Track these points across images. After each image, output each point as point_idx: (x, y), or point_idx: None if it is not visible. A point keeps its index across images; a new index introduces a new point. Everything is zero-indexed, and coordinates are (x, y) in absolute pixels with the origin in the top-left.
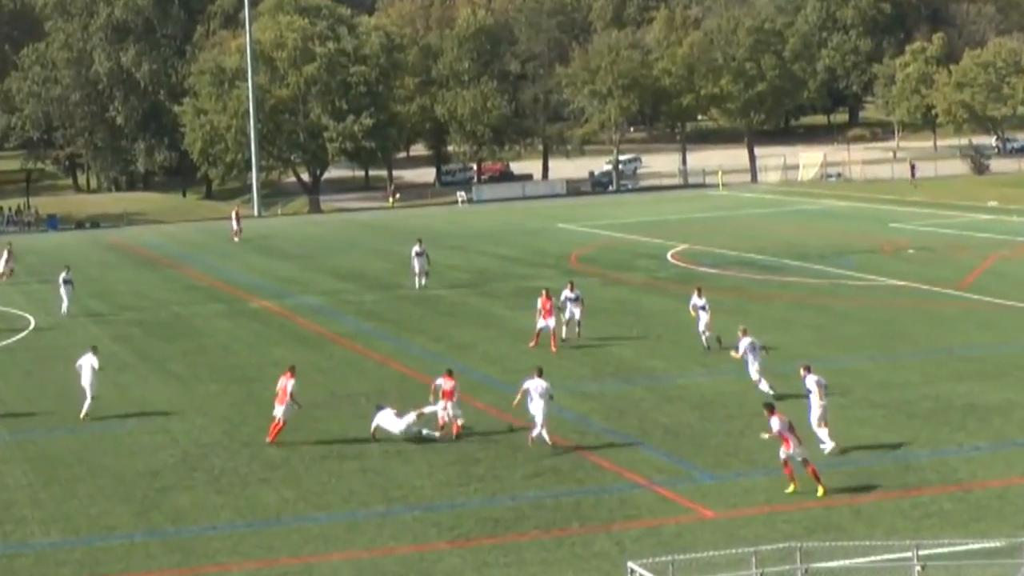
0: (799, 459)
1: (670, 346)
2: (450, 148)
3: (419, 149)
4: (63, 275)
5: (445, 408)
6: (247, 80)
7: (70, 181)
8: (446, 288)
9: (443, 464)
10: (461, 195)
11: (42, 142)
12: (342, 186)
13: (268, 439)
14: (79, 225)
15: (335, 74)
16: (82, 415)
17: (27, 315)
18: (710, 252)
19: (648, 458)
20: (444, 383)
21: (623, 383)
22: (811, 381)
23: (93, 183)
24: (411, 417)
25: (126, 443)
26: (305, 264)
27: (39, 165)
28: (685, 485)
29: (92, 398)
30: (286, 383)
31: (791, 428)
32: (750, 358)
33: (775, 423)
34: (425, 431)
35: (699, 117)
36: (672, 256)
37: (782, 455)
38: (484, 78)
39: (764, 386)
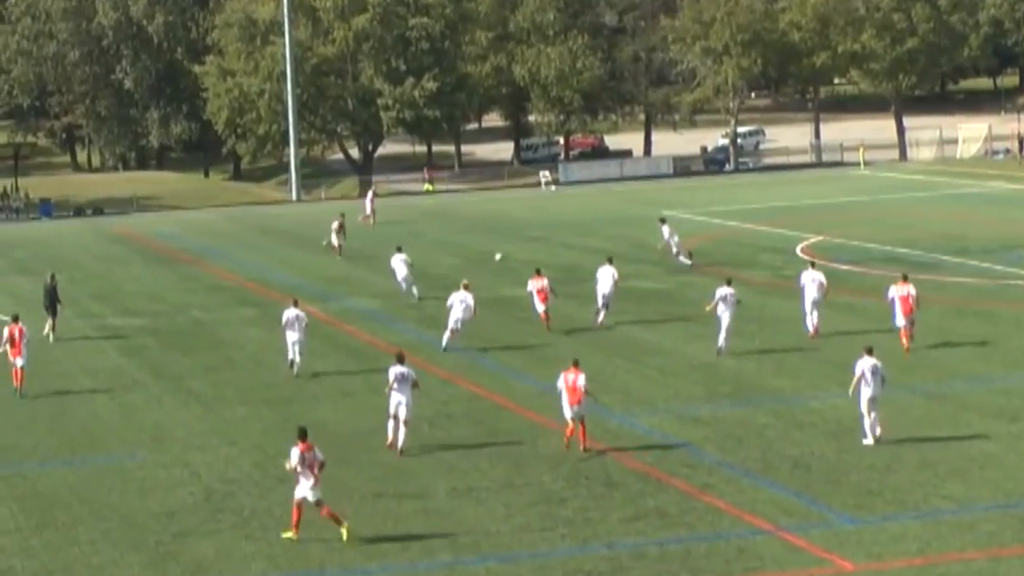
0: None
1: (800, 361)
2: (531, 118)
3: (493, 119)
4: (47, 281)
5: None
6: (283, 35)
7: (67, 158)
8: (523, 288)
9: (523, 504)
10: (545, 175)
11: (33, 110)
12: (399, 164)
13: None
14: (78, 212)
15: (391, 27)
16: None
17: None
18: (849, 246)
19: (773, 497)
20: (572, 378)
21: (742, 405)
22: (864, 365)
23: (95, 160)
24: None
25: (136, 478)
26: (355, 260)
27: (30, 139)
28: (819, 531)
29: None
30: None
31: None
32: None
33: None
34: None
35: (835, 80)
36: (803, 250)
37: None
38: (573, 32)
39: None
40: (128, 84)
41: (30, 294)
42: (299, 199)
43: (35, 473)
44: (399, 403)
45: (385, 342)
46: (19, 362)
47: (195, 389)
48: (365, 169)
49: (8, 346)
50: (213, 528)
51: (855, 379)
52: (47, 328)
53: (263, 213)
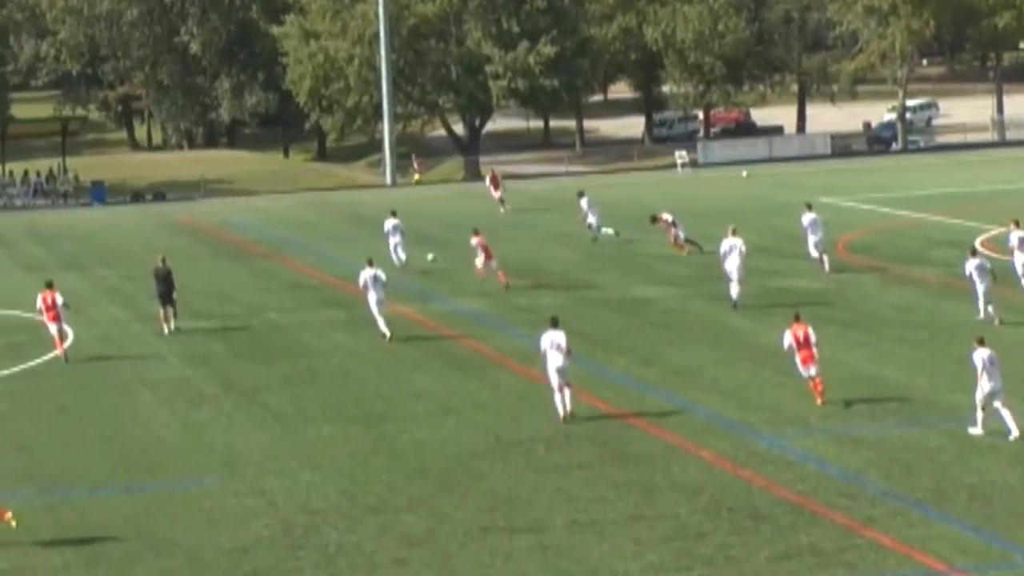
0: None
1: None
2: (665, 89)
3: (621, 90)
4: (158, 266)
5: None
6: None
7: (124, 134)
8: (658, 287)
9: (655, 540)
10: (681, 155)
11: (84, 79)
12: (511, 142)
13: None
14: (136, 197)
15: None
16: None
17: (63, 324)
18: None
19: (947, 533)
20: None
21: (911, 425)
22: (979, 356)
23: (156, 137)
24: None
25: (203, 508)
26: (458, 254)
27: (80, 112)
28: (1000, 572)
29: None
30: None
31: None
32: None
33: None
34: None
35: (1021, 45)
36: (983, 244)
37: None
38: None
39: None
40: (194, 48)
41: (79, 292)
42: (394, 183)
43: (86, 502)
44: (557, 369)
45: (493, 349)
46: (54, 328)
47: (272, 404)
48: (471, 148)
49: (44, 314)
50: (293, 567)
51: (978, 373)
52: (163, 320)
53: (352, 199)
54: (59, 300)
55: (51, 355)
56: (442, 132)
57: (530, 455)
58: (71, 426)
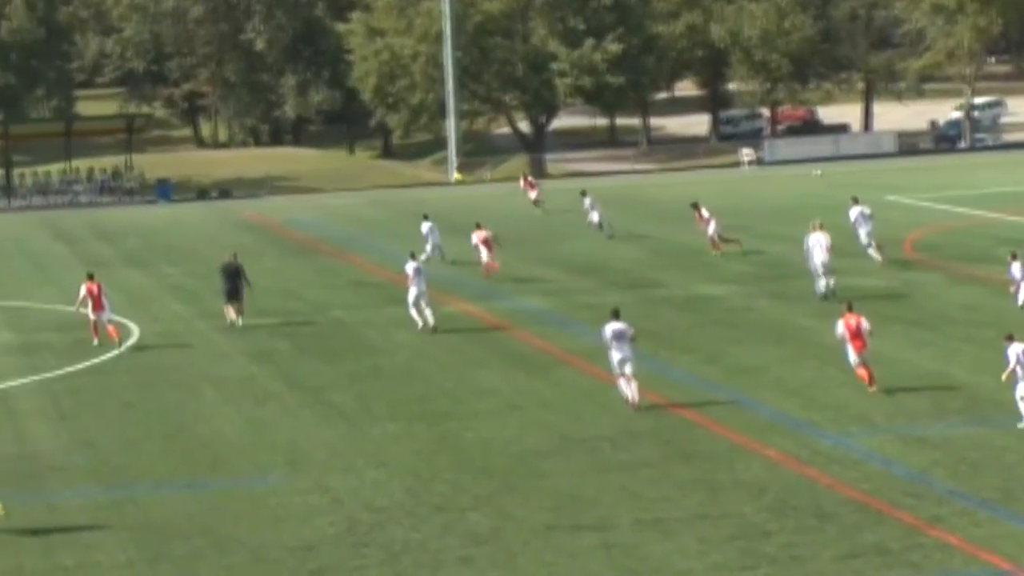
0: None
1: None
2: (731, 86)
3: (687, 87)
4: (227, 260)
5: None
6: None
7: (189, 132)
8: (722, 285)
9: (720, 539)
10: (747, 153)
11: (150, 76)
12: (576, 140)
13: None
14: (202, 194)
15: None
16: None
17: (128, 321)
18: None
19: (1015, 532)
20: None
21: (978, 424)
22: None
23: (222, 135)
24: None
25: (267, 506)
26: (523, 252)
27: (145, 109)
28: None
29: None
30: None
31: None
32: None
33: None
34: None
35: None
36: None
37: None
38: None
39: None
40: (260, 45)
41: (143, 289)
42: (459, 180)
43: (149, 499)
44: (623, 360)
45: (558, 348)
46: (104, 317)
47: (337, 402)
48: (536, 145)
49: (89, 305)
50: (358, 564)
51: (1008, 368)
52: (231, 315)
53: (417, 197)
54: (103, 290)
55: (116, 352)
56: (507, 130)
57: (595, 453)
58: (135, 423)
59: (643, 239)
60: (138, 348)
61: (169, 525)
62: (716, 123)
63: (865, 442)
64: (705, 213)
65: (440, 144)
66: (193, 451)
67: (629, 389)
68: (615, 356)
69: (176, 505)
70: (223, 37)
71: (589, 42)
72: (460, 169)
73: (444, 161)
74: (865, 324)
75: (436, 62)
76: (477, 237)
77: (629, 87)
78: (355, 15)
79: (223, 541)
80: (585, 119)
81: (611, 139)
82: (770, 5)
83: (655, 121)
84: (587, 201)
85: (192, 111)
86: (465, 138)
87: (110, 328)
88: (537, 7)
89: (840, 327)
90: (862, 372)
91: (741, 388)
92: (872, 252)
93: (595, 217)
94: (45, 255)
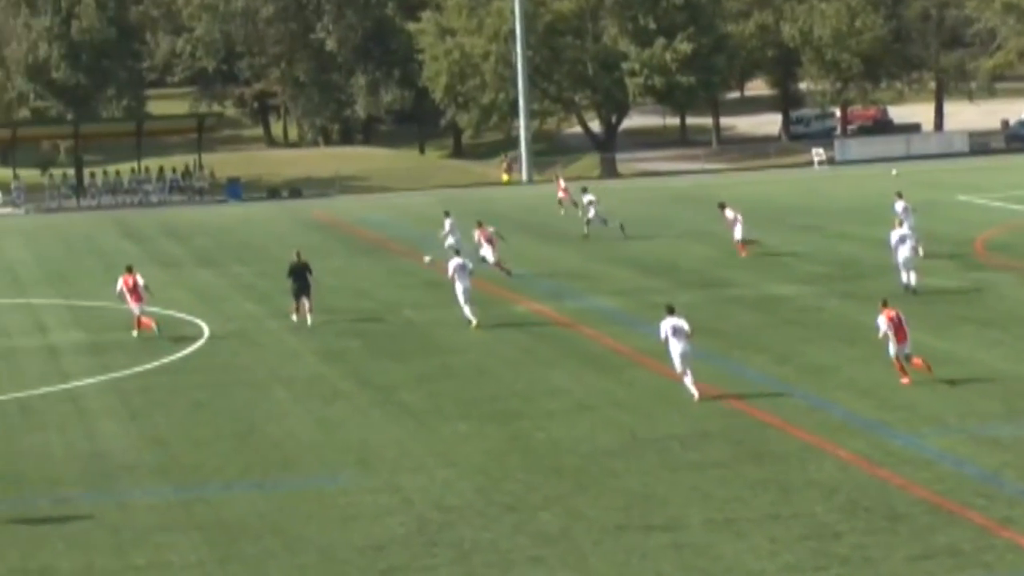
0: None
1: None
2: (802, 86)
3: (758, 87)
4: (293, 260)
5: None
6: None
7: (259, 131)
8: (793, 285)
9: (790, 540)
10: (818, 153)
11: (220, 76)
12: (647, 139)
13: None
14: (272, 193)
15: None
16: None
17: (198, 320)
18: None
19: None
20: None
21: None
22: None
23: (292, 134)
24: None
25: (338, 505)
26: (594, 251)
27: (215, 108)
28: None
29: None
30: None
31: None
32: None
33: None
34: None
35: None
36: None
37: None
38: None
39: None
40: (330, 45)
41: (213, 289)
42: (530, 180)
43: (220, 498)
44: (684, 354)
45: (629, 347)
46: (137, 309)
47: (407, 401)
48: (607, 145)
49: (128, 298)
50: (427, 564)
51: None
52: (301, 312)
53: (488, 196)
54: (140, 282)
55: (187, 351)
56: (578, 129)
57: (666, 453)
58: (206, 422)
59: (714, 238)
60: (208, 347)
61: (239, 524)
62: (787, 123)
63: (937, 443)
64: (730, 214)
65: (511, 143)
66: (264, 450)
67: (689, 384)
68: (675, 351)
69: (246, 504)
70: (293, 36)
71: (660, 41)
72: (507, 170)
73: (515, 161)
74: (903, 316)
75: (507, 61)
76: (479, 234)
77: (700, 87)
78: (426, 14)
79: (293, 541)
80: (656, 118)
81: (682, 139)
82: (841, 4)
83: (726, 121)
84: (586, 199)
85: (262, 110)
86: (535, 138)
87: (144, 320)
88: (608, 6)
89: (882, 321)
90: (917, 361)
91: (813, 388)
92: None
93: (591, 213)
94: (116, 254)
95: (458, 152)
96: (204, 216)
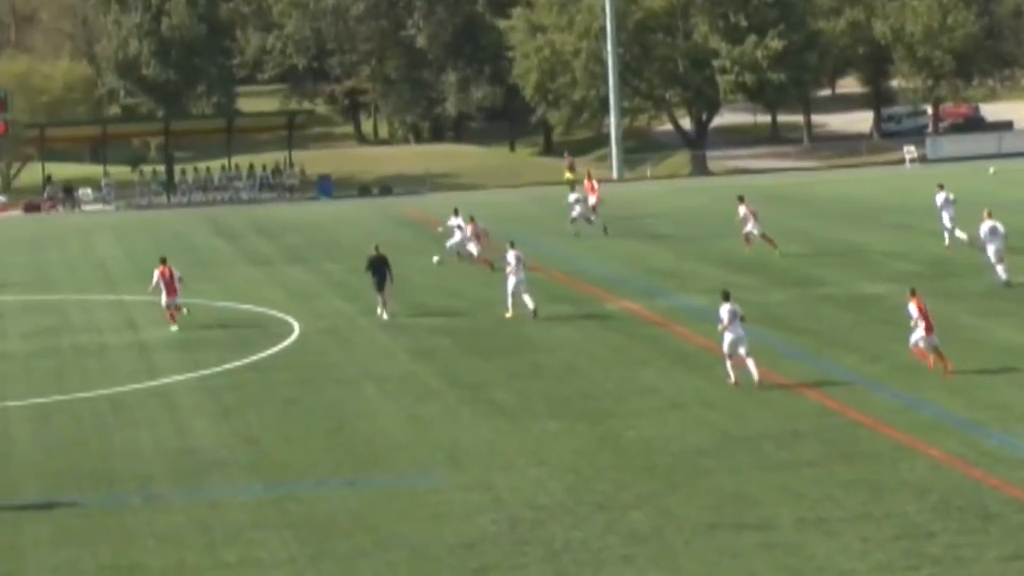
0: None
1: None
2: (894, 83)
3: (850, 84)
4: (372, 253)
5: None
6: None
7: (350, 128)
8: (884, 283)
9: (883, 539)
10: (909, 151)
11: (310, 73)
12: (738, 137)
13: None
14: (363, 191)
15: None
16: None
17: (289, 318)
18: None
19: None
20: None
21: None
22: None
23: (383, 131)
24: None
25: (429, 503)
26: (685, 249)
27: (306, 105)
28: None
29: None
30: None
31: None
32: None
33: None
34: None
35: None
36: None
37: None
38: None
39: None
40: (421, 42)
41: (304, 286)
42: (621, 177)
43: (311, 496)
44: (736, 340)
45: (719, 345)
46: (169, 302)
47: (498, 399)
48: (698, 142)
49: (161, 288)
50: (518, 563)
51: None
52: (380, 308)
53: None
54: (176, 274)
55: (278, 348)
56: (669, 127)
57: (757, 452)
58: (297, 419)
59: (805, 236)
60: (299, 344)
61: (330, 522)
62: (878, 120)
63: None
64: (743, 210)
65: (601, 141)
66: (355, 448)
67: (750, 365)
68: (728, 337)
69: (337, 502)
70: (384, 34)
71: (751, 39)
72: (570, 168)
73: (606, 158)
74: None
75: (597, 58)
76: (470, 230)
77: (791, 84)
78: (516, 11)
79: (384, 538)
80: (747, 116)
81: (773, 136)
82: (933, 1)
83: (817, 118)
84: (572, 196)
85: (353, 108)
86: (626, 135)
87: (171, 310)
88: (699, 3)
89: (913, 309)
90: (935, 356)
91: (904, 387)
92: (959, 234)
93: (575, 212)
94: (206, 251)
95: (548, 149)
96: (295, 213)
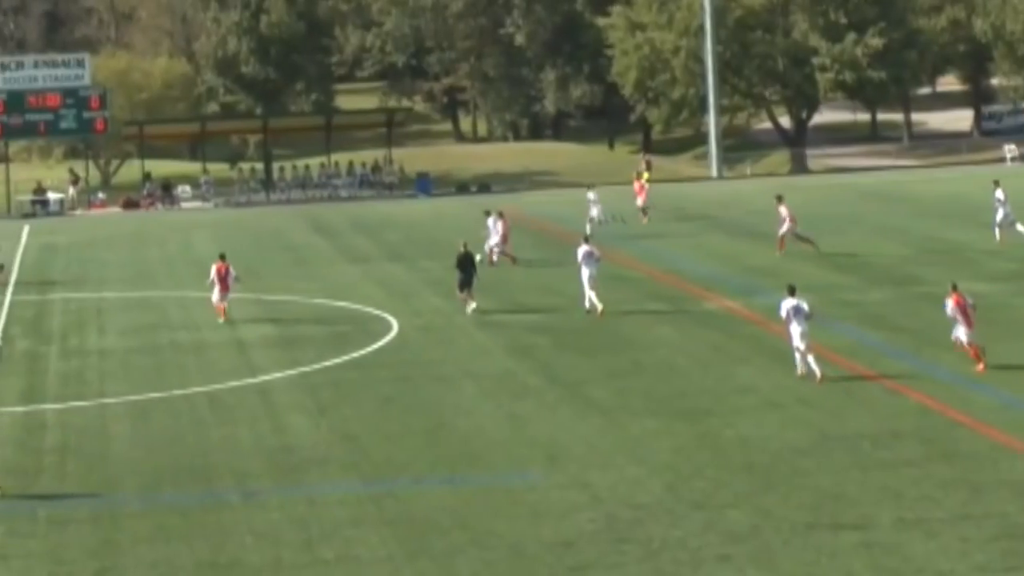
0: None
1: None
2: (994, 81)
3: (950, 82)
4: (460, 251)
5: None
6: None
7: (448, 126)
8: (984, 283)
9: (982, 539)
10: (1010, 149)
11: (409, 71)
12: (838, 135)
13: None
14: (461, 188)
15: None
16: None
17: (387, 315)
18: None
19: None
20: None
21: None
22: None
23: (481, 129)
24: None
25: (527, 501)
26: (784, 248)
27: (405, 103)
28: None
29: None
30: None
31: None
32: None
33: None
34: None
35: None
36: None
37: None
38: None
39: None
40: (520, 40)
41: (402, 284)
42: (720, 175)
43: (409, 493)
44: (801, 334)
45: (818, 344)
46: (220, 298)
47: (596, 397)
48: (797, 141)
49: (216, 284)
50: (616, 561)
51: None
52: (465, 305)
53: (677, 192)
54: (232, 272)
55: (376, 346)
56: (768, 125)
57: (856, 452)
58: (395, 417)
59: (905, 235)
60: (397, 342)
61: (428, 520)
62: (979, 118)
63: None
64: (783, 211)
65: (700, 139)
66: (453, 446)
67: (813, 363)
68: (795, 331)
69: (435, 500)
70: (483, 31)
71: (851, 36)
72: (648, 168)
73: (705, 156)
74: (970, 300)
75: (697, 56)
76: (501, 226)
77: (891, 82)
78: (616, 9)
79: (482, 536)
80: (846, 114)
81: (873, 135)
82: None
83: (917, 116)
84: (591, 195)
85: (452, 105)
86: (725, 133)
87: (221, 305)
88: (798, 1)
89: (950, 306)
90: (975, 351)
91: (1005, 387)
92: (1019, 228)
93: (595, 212)
94: (305, 248)
95: (647, 147)
96: (393, 211)
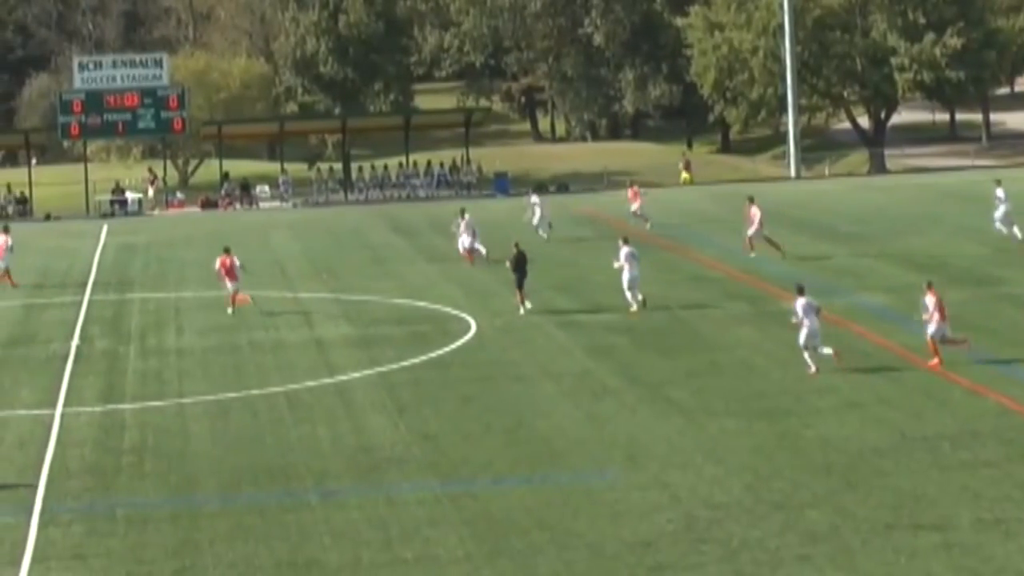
0: None
1: None
2: None
3: None
4: (513, 251)
5: None
6: None
7: (527, 126)
8: None
9: None
10: None
11: (487, 70)
12: (916, 135)
13: None
14: (539, 188)
15: None
16: None
17: (465, 315)
18: None
19: None
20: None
21: None
22: None
23: (560, 129)
24: None
25: (606, 501)
26: (863, 247)
27: (483, 103)
28: None
29: None
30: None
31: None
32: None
33: None
34: None
35: None
36: None
37: None
38: None
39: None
40: (598, 39)
41: (480, 284)
42: (799, 175)
43: (488, 493)
44: (812, 332)
45: (899, 344)
46: (232, 287)
47: (675, 398)
48: (876, 140)
49: (223, 276)
50: (695, 561)
51: None
52: (519, 303)
53: (756, 192)
54: (236, 263)
55: (455, 345)
56: (847, 125)
57: (935, 452)
58: (474, 416)
59: (984, 236)
60: (476, 342)
61: (507, 519)
62: None
63: None
64: (754, 212)
65: (779, 139)
66: (532, 445)
67: (816, 354)
68: (806, 330)
69: (514, 499)
70: (561, 31)
71: (929, 36)
72: (686, 167)
73: (783, 156)
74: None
75: (775, 56)
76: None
77: (970, 82)
78: (694, 9)
79: (562, 536)
80: (925, 114)
81: (951, 135)
82: None
83: (996, 116)
84: (534, 198)
85: (530, 105)
86: (804, 133)
87: (239, 296)
88: (877, 1)
89: (930, 302)
90: (959, 343)
91: None
92: (1015, 231)
93: (536, 213)
94: (384, 248)
95: (726, 147)
96: (471, 211)
